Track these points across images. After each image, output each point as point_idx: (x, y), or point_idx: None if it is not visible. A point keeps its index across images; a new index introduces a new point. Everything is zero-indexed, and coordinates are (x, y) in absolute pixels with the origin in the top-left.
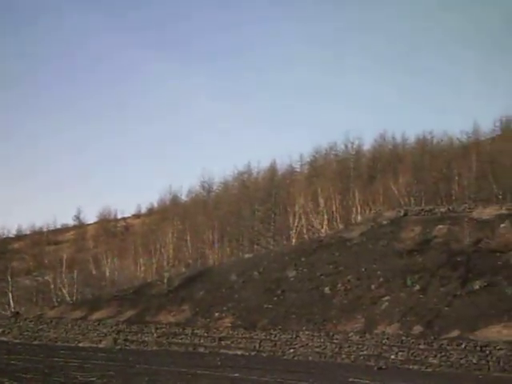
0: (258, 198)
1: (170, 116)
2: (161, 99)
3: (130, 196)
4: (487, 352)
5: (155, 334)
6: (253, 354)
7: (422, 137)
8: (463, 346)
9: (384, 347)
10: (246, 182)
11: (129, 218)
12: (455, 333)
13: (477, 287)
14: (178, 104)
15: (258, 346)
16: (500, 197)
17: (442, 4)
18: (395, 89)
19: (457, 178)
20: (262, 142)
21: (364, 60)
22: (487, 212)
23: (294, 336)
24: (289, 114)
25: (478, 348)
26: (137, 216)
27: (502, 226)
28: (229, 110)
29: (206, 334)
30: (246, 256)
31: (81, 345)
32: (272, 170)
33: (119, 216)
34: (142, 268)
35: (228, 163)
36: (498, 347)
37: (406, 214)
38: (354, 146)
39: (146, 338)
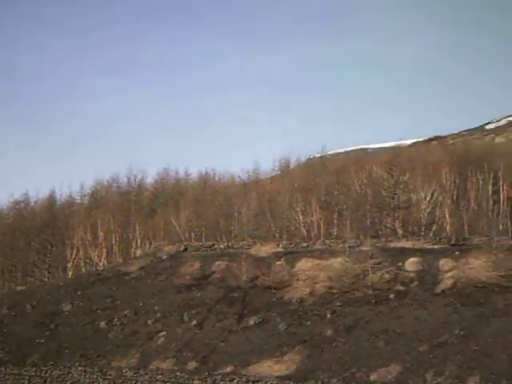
0: (35, 229)
1: None
2: None
3: None
4: None
5: None
6: None
7: (205, 173)
8: (235, 381)
9: (158, 383)
10: (22, 211)
11: None
12: (229, 368)
13: (252, 323)
14: None
15: (27, 382)
16: (277, 235)
17: None
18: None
19: (236, 214)
20: (42, 171)
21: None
22: (264, 249)
23: (66, 372)
24: (71, 145)
25: (250, 383)
26: None
27: (278, 263)
28: None
29: None
30: (19, 288)
31: None
32: (51, 199)
33: None
34: None
35: (3, 191)
36: (269, 382)
37: (186, 249)
38: (137, 179)
39: None
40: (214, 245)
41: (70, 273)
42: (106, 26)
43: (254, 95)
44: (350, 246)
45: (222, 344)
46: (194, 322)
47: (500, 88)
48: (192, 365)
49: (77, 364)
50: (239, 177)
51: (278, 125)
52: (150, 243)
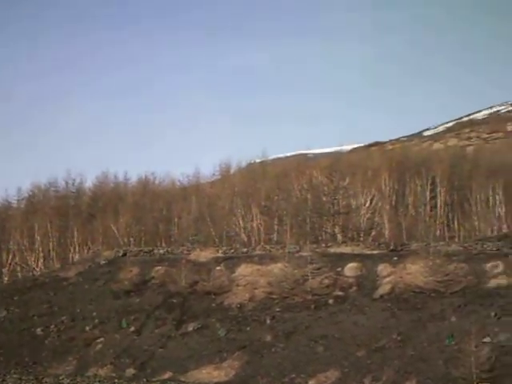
0: None
1: None
2: None
3: None
4: None
5: None
6: None
7: (144, 177)
8: None
9: None
10: None
11: None
12: (167, 375)
13: (191, 329)
14: None
15: None
16: (217, 240)
17: None
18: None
19: (176, 219)
20: None
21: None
22: (204, 254)
23: (1, 380)
24: (7, 148)
25: None
26: None
27: (218, 268)
28: None
29: None
30: None
31: None
32: None
33: None
34: None
35: None
36: None
37: (124, 255)
38: (75, 184)
39: None
40: (153, 250)
41: (6, 278)
42: None
43: (192, 98)
44: (289, 252)
45: (161, 350)
46: (132, 328)
47: (438, 95)
48: (130, 371)
49: (12, 372)
50: (179, 181)
51: (219, 129)
52: (89, 248)
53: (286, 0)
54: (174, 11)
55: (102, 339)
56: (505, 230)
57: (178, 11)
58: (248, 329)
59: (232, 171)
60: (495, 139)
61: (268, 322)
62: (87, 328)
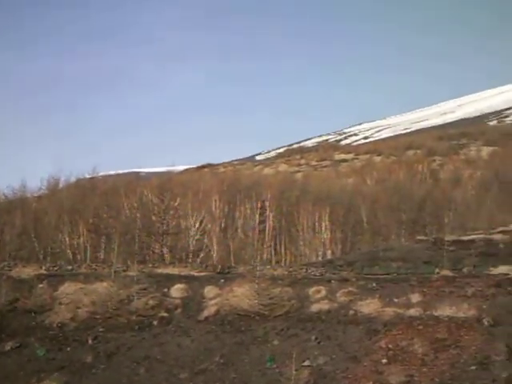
0: None
1: None
2: None
3: None
4: None
5: None
6: None
7: None
8: None
9: None
10: None
11: None
12: None
13: (8, 348)
14: None
15: None
16: (41, 256)
17: None
18: None
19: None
20: None
21: None
22: (27, 271)
23: None
24: None
25: None
26: None
27: (40, 286)
28: None
29: None
30: None
31: None
32: None
33: None
34: None
35: None
36: None
37: None
38: None
39: None
40: None
41: None
42: None
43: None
44: (115, 271)
45: None
46: None
47: (272, 121)
48: None
49: None
50: (4, 194)
51: (48, 144)
52: None
53: None
54: None
55: None
56: (329, 255)
57: None
58: (68, 349)
59: (60, 186)
60: (324, 167)
61: (90, 342)
62: None
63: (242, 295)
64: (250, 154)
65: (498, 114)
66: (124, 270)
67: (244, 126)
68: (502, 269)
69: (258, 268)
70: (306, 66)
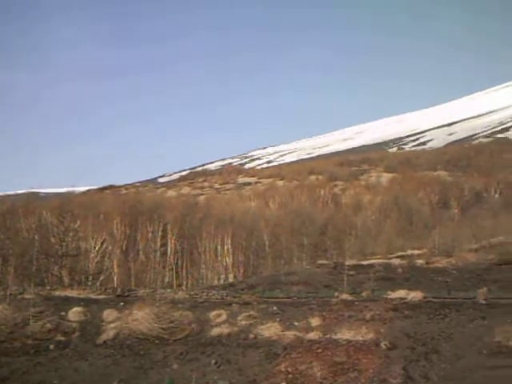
0: None
1: None
2: None
3: None
4: None
5: None
6: None
7: None
8: None
9: None
10: None
11: None
12: None
13: None
14: None
15: None
16: None
17: None
18: None
19: None
20: None
21: None
22: None
23: None
24: None
25: None
26: None
27: None
28: None
29: None
30: None
31: None
32: None
33: None
34: None
35: None
36: None
37: None
38: None
39: None
40: None
41: None
42: None
43: None
44: (11, 294)
45: None
46: None
47: (174, 146)
48: None
49: None
50: None
51: None
52: None
53: None
54: None
55: None
56: (231, 279)
57: None
58: None
59: None
60: (227, 190)
61: None
62: None
63: (141, 319)
64: (153, 176)
65: (398, 141)
66: (20, 293)
67: (148, 148)
68: (400, 293)
69: (158, 291)
70: (215, 88)
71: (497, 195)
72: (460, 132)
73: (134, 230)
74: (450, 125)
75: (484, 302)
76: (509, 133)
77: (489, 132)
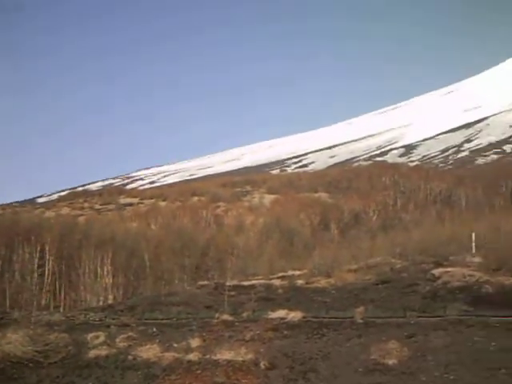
0: None
1: None
2: None
3: None
4: None
5: None
6: None
7: None
8: None
9: None
10: None
11: None
12: None
13: None
14: None
15: None
16: None
17: None
18: None
19: None
20: None
21: None
22: None
23: None
24: None
25: None
26: None
27: None
28: None
29: None
30: None
31: None
32: None
33: None
34: None
35: None
36: None
37: None
38: None
39: None
40: None
41: None
42: None
43: None
44: None
45: None
46: None
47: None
48: None
49: None
50: None
51: None
52: None
53: None
54: None
55: None
56: (111, 300)
57: None
58: None
59: None
60: (108, 211)
61: None
62: None
63: (15, 341)
64: (31, 197)
65: (281, 163)
66: None
67: (25, 168)
68: (280, 313)
69: (34, 313)
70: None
71: (374, 217)
72: (341, 155)
73: (10, 250)
74: (330, 147)
75: (361, 320)
76: (387, 156)
77: (368, 156)
